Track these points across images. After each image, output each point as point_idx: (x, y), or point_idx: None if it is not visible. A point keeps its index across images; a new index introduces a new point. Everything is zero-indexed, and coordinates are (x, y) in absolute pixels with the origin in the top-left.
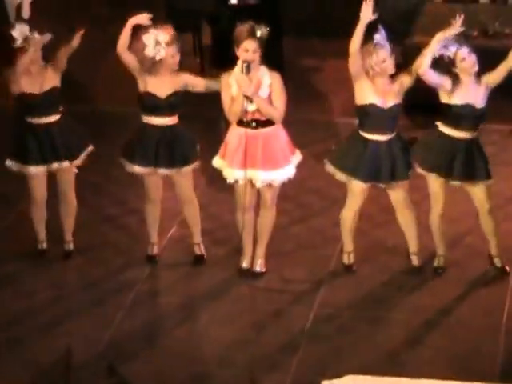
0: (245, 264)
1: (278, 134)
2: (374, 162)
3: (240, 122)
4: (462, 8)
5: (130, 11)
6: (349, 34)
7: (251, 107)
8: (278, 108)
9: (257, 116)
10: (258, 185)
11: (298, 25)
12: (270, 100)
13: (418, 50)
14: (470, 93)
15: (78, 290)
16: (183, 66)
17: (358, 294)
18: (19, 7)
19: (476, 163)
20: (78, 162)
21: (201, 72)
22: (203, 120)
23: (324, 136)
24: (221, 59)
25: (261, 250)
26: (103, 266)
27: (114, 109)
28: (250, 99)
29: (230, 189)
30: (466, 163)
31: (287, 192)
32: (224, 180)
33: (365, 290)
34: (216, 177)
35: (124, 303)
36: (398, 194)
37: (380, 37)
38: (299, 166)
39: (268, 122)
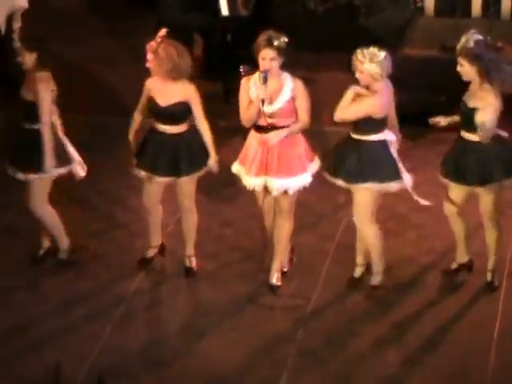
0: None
1: (296, 141)
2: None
3: (257, 128)
4: (455, 22)
5: (123, 24)
6: (340, 47)
7: (267, 109)
8: (301, 119)
9: (273, 122)
10: (274, 193)
11: (289, 37)
12: (291, 104)
13: (409, 63)
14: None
15: (68, 304)
16: None
17: (349, 310)
18: (11, 17)
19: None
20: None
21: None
22: None
23: (313, 145)
24: (212, 71)
25: (276, 263)
26: (92, 280)
27: (106, 120)
28: (264, 102)
29: (219, 200)
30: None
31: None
32: (214, 192)
33: (355, 305)
34: (205, 189)
35: (113, 317)
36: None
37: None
38: None
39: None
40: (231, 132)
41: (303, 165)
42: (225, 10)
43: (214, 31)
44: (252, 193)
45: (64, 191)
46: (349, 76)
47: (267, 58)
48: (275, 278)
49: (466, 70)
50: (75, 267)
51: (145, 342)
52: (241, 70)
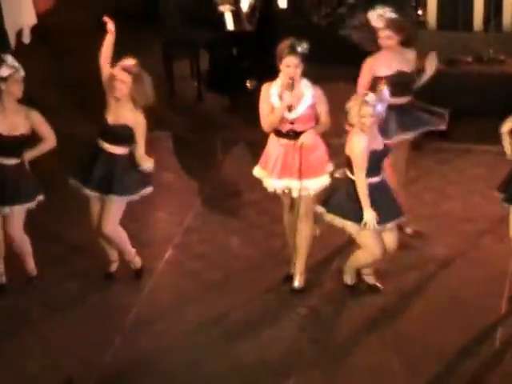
0: (292, 271)
1: (315, 145)
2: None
3: (278, 133)
4: (457, 36)
5: (130, 38)
6: (342, 59)
7: (289, 115)
8: (323, 122)
9: (294, 127)
10: (295, 194)
11: None
12: (311, 110)
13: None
14: None
15: (76, 313)
16: (182, 91)
17: (350, 318)
18: (20, 33)
19: None
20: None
21: (198, 96)
22: (199, 143)
23: None
24: (218, 84)
25: (299, 266)
26: (101, 290)
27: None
28: (290, 109)
29: (224, 211)
30: None
31: (280, 214)
32: (218, 203)
33: (356, 314)
34: (210, 199)
35: (122, 328)
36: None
37: (377, 97)
38: None
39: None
40: (236, 144)
41: (323, 167)
42: (230, 26)
43: (219, 45)
44: (256, 203)
45: (70, 201)
46: (351, 87)
47: (292, 65)
48: (297, 281)
49: (393, 40)
50: (84, 276)
51: (154, 352)
52: (247, 84)
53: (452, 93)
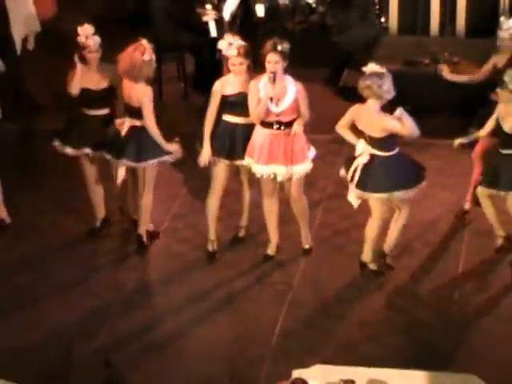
0: (269, 251)
1: (298, 135)
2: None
3: (265, 123)
4: (416, 40)
5: (119, 43)
6: (314, 61)
7: (275, 109)
8: (305, 114)
9: (280, 118)
10: (279, 178)
11: None
12: (295, 104)
13: None
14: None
15: (73, 292)
16: (169, 92)
17: (324, 295)
18: (25, 40)
19: None
20: None
21: (184, 96)
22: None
23: None
24: (202, 85)
25: (304, 231)
26: (95, 271)
27: None
28: (274, 102)
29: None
30: None
31: (256, 201)
32: (201, 191)
33: (329, 291)
34: (195, 187)
35: (115, 304)
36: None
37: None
38: None
39: (289, 124)
40: None
41: (304, 154)
42: (213, 32)
43: (204, 50)
44: (235, 192)
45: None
46: (323, 88)
47: (272, 61)
48: (308, 243)
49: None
50: (79, 258)
51: (144, 325)
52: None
53: (411, 92)
